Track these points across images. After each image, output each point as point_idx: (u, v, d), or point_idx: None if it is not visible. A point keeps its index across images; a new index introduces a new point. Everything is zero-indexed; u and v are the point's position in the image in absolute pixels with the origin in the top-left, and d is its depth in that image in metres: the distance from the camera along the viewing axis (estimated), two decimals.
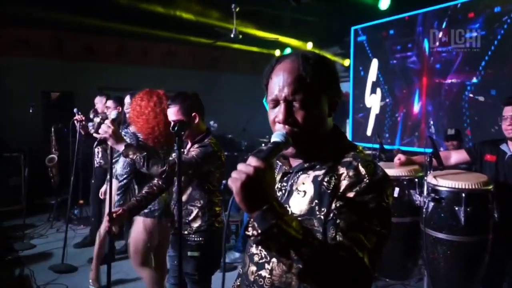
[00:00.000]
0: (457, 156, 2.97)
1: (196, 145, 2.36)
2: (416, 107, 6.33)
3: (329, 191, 1.07)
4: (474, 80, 5.45)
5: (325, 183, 1.09)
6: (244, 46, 8.52)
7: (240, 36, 6.53)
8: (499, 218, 2.48)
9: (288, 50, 8.98)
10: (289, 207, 1.13)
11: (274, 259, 1.14)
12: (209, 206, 2.37)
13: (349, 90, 8.16)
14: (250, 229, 0.91)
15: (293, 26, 7.81)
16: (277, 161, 1.27)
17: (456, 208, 2.44)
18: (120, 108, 3.87)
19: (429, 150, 2.79)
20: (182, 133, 1.38)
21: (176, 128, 1.37)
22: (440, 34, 5.90)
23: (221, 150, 2.39)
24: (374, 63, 7.05)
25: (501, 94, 5.22)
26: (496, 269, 2.65)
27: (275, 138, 1.04)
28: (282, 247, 0.89)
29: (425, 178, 2.71)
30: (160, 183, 2.53)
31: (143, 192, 2.52)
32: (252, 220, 0.90)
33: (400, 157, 3.02)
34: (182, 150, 2.44)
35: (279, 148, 1.02)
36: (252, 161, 0.92)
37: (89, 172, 5.25)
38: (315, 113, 1.12)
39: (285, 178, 1.21)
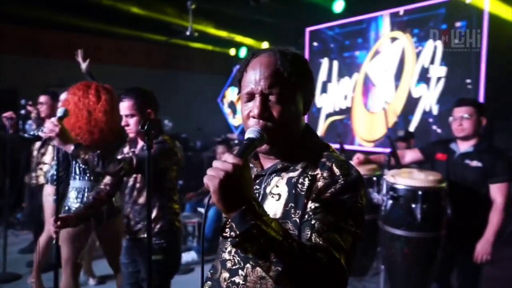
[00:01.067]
0: (411, 155, 3.07)
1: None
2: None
3: (303, 193, 1.04)
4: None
5: (299, 185, 1.06)
6: (199, 45, 8.40)
7: (196, 34, 6.44)
8: (452, 215, 2.59)
9: (244, 50, 8.96)
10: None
11: (248, 265, 1.10)
12: (168, 205, 2.29)
13: None
14: (227, 230, 0.85)
15: (249, 25, 7.81)
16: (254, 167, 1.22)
17: (413, 206, 2.52)
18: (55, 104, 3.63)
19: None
20: (152, 132, 1.30)
21: (146, 127, 1.29)
22: (394, 36, 6.13)
23: (176, 146, 2.31)
24: (325, 62, 7.19)
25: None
26: (446, 263, 2.76)
27: (249, 134, 1.00)
28: (261, 249, 0.85)
29: (384, 176, 2.77)
30: (107, 188, 2.41)
31: (90, 198, 2.39)
32: (229, 221, 0.85)
33: (358, 157, 3.07)
34: (133, 150, 2.38)
35: (254, 145, 0.98)
36: (229, 158, 0.87)
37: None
38: (291, 109, 1.09)
39: (257, 181, 1.16)
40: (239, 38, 7.69)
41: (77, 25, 6.63)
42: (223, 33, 7.35)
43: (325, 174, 1.04)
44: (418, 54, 5.78)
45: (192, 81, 8.84)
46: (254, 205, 0.87)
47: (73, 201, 2.77)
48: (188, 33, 6.30)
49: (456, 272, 2.86)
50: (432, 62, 5.64)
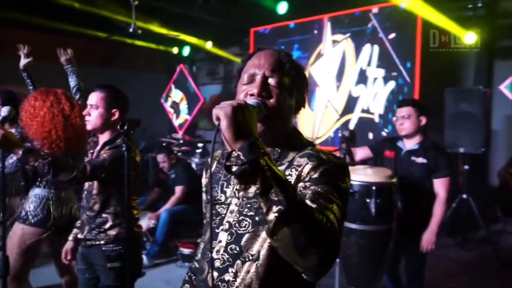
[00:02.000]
0: (361, 152, 3.25)
1: (107, 147, 2.20)
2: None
3: (292, 182, 1.08)
4: None
5: (287, 177, 1.09)
6: (142, 42, 8.17)
7: (140, 32, 6.25)
8: (402, 208, 2.79)
9: (187, 49, 8.86)
10: (254, 206, 1.11)
11: (238, 261, 1.12)
12: (126, 212, 2.22)
13: None
14: (233, 159, 0.86)
15: (193, 24, 7.73)
16: None
17: (368, 200, 2.67)
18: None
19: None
20: (131, 132, 1.27)
21: (125, 128, 1.26)
22: (335, 39, 6.39)
23: (135, 151, 2.26)
24: None
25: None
26: (395, 254, 2.96)
27: (249, 101, 1.02)
28: (265, 184, 0.84)
29: None
30: None
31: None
32: (235, 151, 0.86)
33: None
34: (92, 151, 2.31)
35: (254, 108, 0.99)
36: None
37: None
38: (287, 99, 1.14)
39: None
40: (183, 36, 7.58)
41: (4, 18, 6.15)
42: (166, 31, 7.20)
43: (312, 159, 1.09)
44: (357, 56, 6.08)
45: (134, 80, 8.55)
46: (261, 142, 0.89)
47: (34, 211, 2.63)
48: (131, 30, 6.10)
49: (404, 262, 3.08)
50: (369, 64, 5.97)
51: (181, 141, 7.39)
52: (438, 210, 2.83)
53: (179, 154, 6.38)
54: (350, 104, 6.12)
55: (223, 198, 1.20)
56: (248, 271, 1.10)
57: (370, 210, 2.67)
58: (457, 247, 4.94)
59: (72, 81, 3.11)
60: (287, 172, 1.11)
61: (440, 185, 2.82)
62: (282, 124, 1.16)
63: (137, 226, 2.31)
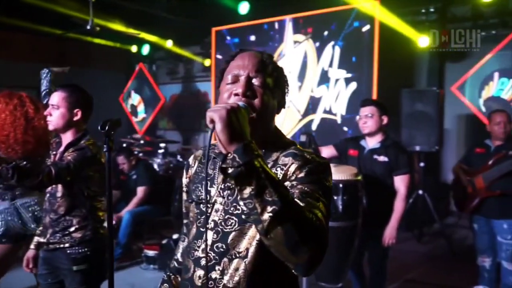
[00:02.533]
0: (327, 151, 3.33)
1: (71, 148, 2.14)
2: None
3: None
4: None
5: None
6: (99, 40, 7.92)
7: (98, 29, 6.06)
8: (366, 204, 2.90)
9: (146, 47, 8.68)
10: (240, 204, 1.12)
11: (225, 259, 1.13)
12: (92, 213, 2.19)
13: (210, 90, 8.32)
14: (228, 161, 0.88)
15: (153, 22, 7.60)
16: (217, 159, 1.24)
17: (335, 198, 2.75)
18: None
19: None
20: (112, 132, 1.24)
21: (106, 128, 1.23)
22: (296, 40, 6.50)
23: (100, 152, 2.20)
24: None
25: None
26: (359, 249, 3.07)
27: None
28: (260, 185, 0.87)
29: None
30: None
31: None
32: (230, 154, 0.88)
33: None
34: (55, 153, 2.24)
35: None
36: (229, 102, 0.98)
37: None
38: (270, 99, 1.16)
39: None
40: (143, 35, 7.42)
41: None
42: (125, 29, 7.03)
43: (297, 159, 1.12)
44: (318, 57, 6.22)
45: (91, 79, 8.25)
46: (254, 144, 0.92)
47: None
48: (88, 27, 5.90)
49: (367, 256, 3.20)
50: (330, 65, 6.13)
51: (142, 142, 7.24)
52: (398, 205, 2.96)
53: (141, 155, 6.26)
54: (312, 104, 6.25)
55: (207, 197, 1.21)
56: (236, 269, 1.11)
57: (337, 207, 2.75)
58: (414, 240, 5.18)
59: (44, 85, 3.04)
60: (273, 170, 1.13)
61: (400, 182, 2.96)
62: (265, 124, 1.18)
63: (102, 228, 2.26)
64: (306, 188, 1.04)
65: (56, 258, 2.18)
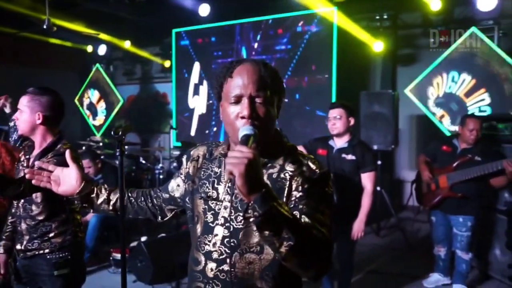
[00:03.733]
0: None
1: (50, 154, 2.09)
2: None
3: (286, 187, 1.22)
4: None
5: (281, 179, 1.23)
6: (55, 40, 7.65)
7: (55, 29, 5.88)
8: (337, 201, 3.07)
9: (103, 47, 8.46)
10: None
11: (236, 253, 1.21)
12: (71, 218, 2.19)
13: (169, 91, 8.29)
14: (250, 211, 0.99)
15: (111, 22, 7.45)
16: (223, 158, 1.32)
17: None
18: None
19: None
20: (124, 137, 1.28)
21: (120, 133, 1.27)
22: (256, 45, 6.64)
23: (79, 156, 2.21)
24: (196, 66, 7.36)
25: (303, 98, 6.27)
26: None
27: (245, 131, 1.13)
28: (278, 227, 0.99)
29: None
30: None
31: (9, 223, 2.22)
32: (251, 203, 0.99)
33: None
34: (28, 157, 2.19)
35: (252, 140, 1.11)
36: (243, 148, 1.01)
37: None
38: (271, 111, 1.25)
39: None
40: (102, 35, 7.26)
41: None
42: (83, 29, 6.85)
43: (304, 169, 1.24)
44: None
45: (45, 79, 7.94)
46: (271, 189, 1.03)
47: None
48: (45, 26, 5.72)
49: (335, 250, 3.38)
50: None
51: (101, 144, 7.08)
52: (365, 201, 3.15)
53: (102, 157, 6.13)
54: None
55: (214, 195, 1.29)
56: (250, 262, 1.21)
57: None
58: (373, 234, 5.47)
59: (13, 138, 2.96)
60: (281, 175, 1.24)
61: (367, 179, 3.16)
62: (269, 132, 1.27)
63: (81, 232, 2.27)
64: (312, 203, 1.17)
65: (35, 265, 2.13)
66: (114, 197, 1.51)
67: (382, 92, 5.82)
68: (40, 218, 2.11)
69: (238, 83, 1.21)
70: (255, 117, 1.20)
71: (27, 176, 1.49)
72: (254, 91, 1.20)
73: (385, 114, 5.32)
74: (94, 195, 1.50)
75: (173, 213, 1.50)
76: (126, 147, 6.67)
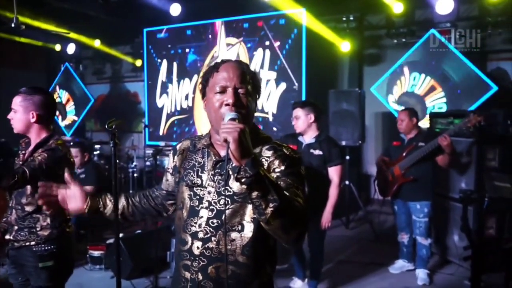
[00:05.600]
0: None
1: (40, 149, 2.19)
2: None
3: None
4: None
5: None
6: (20, 38, 7.50)
7: (23, 27, 5.80)
8: (308, 193, 3.25)
9: (72, 46, 8.35)
10: (230, 188, 1.37)
11: (220, 232, 1.37)
12: (58, 212, 2.21)
13: (140, 90, 8.29)
14: (242, 173, 1.13)
15: (79, 20, 7.39)
16: (207, 150, 1.48)
17: None
18: None
19: None
20: (116, 130, 1.39)
21: (113, 127, 1.38)
22: (226, 44, 6.77)
23: (69, 152, 2.30)
24: (164, 65, 7.41)
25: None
26: None
27: (230, 116, 1.28)
28: (265, 189, 1.14)
29: None
30: None
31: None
32: (242, 166, 1.13)
33: None
34: (24, 152, 2.28)
35: (237, 122, 1.25)
36: (234, 122, 1.19)
37: None
38: (252, 104, 1.42)
39: (218, 166, 1.44)
40: (71, 34, 7.19)
41: None
42: (53, 27, 6.78)
43: (279, 154, 1.41)
44: (250, 60, 6.55)
45: (9, 79, 7.78)
46: (257, 156, 1.19)
47: None
48: (13, 25, 5.63)
49: (306, 240, 3.57)
50: (262, 67, 6.50)
51: (72, 143, 7.01)
52: (333, 193, 3.37)
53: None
54: None
55: (199, 181, 1.44)
56: (233, 240, 1.36)
57: None
58: (343, 226, 5.72)
59: None
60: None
61: (333, 172, 3.37)
62: (249, 124, 1.43)
63: (68, 226, 2.32)
64: (288, 180, 1.33)
65: (22, 256, 2.20)
66: (120, 206, 1.61)
67: (350, 90, 6.08)
68: (29, 209, 2.18)
69: (224, 75, 1.38)
70: (239, 105, 1.36)
71: (39, 202, 1.58)
72: (238, 83, 1.37)
73: (353, 111, 5.58)
74: (101, 208, 1.58)
75: (174, 206, 1.62)
76: (98, 146, 6.68)
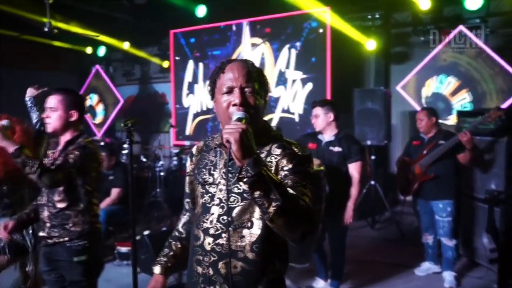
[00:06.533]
0: None
1: (71, 147, 2.26)
2: None
3: (272, 168, 1.40)
4: None
5: (268, 163, 1.41)
6: (54, 42, 7.79)
7: (56, 31, 6.04)
8: (329, 191, 3.25)
9: (103, 48, 8.63)
10: (240, 186, 1.39)
11: (230, 229, 1.40)
12: (88, 208, 2.31)
13: (168, 91, 8.45)
14: (243, 173, 1.16)
15: (110, 23, 7.60)
16: (219, 149, 1.51)
17: None
18: None
19: None
20: (132, 128, 1.45)
21: (129, 124, 1.44)
22: (251, 44, 6.81)
23: (98, 150, 2.37)
24: (190, 65, 7.51)
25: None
26: (321, 232, 3.42)
27: (238, 115, 1.31)
28: (267, 188, 1.16)
29: None
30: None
31: (34, 204, 2.35)
32: (244, 166, 1.16)
33: None
34: (54, 151, 2.35)
35: (244, 121, 1.27)
36: (238, 122, 1.21)
37: None
38: (260, 101, 1.44)
39: (229, 163, 1.47)
40: (101, 37, 7.41)
41: None
42: (83, 31, 7.01)
43: (287, 152, 1.42)
44: (276, 59, 6.57)
45: (44, 81, 8.07)
46: (260, 156, 1.21)
47: None
48: (46, 29, 5.87)
49: (328, 237, 3.56)
50: (287, 66, 6.50)
51: (102, 143, 7.23)
52: (353, 190, 3.38)
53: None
54: (271, 104, 6.58)
55: (211, 180, 1.47)
56: (243, 236, 1.39)
57: None
58: (368, 227, 5.66)
59: (33, 115, 3.21)
60: (268, 159, 1.42)
61: (353, 168, 3.38)
62: (258, 121, 1.46)
63: (98, 222, 2.38)
64: (296, 178, 1.35)
65: (56, 252, 2.27)
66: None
67: (375, 89, 6.00)
68: (61, 206, 2.24)
69: (230, 76, 1.41)
70: (245, 104, 1.39)
71: None
72: (244, 82, 1.40)
73: (378, 110, 5.51)
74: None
75: None
76: (126, 145, 6.85)
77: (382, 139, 5.51)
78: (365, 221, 5.72)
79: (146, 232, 4.38)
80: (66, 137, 2.31)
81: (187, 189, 1.66)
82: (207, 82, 1.49)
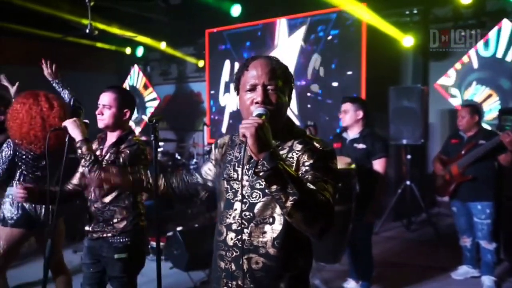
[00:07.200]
0: None
1: (123, 145, 2.29)
2: None
3: (293, 164, 1.40)
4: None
5: (289, 159, 1.41)
6: (93, 43, 8.09)
7: (96, 32, 6.26)
8: (359, 189, 3.20)
9: (141, 49, 8.87)
10: (262, 181, 1.37)
11: (252, 224, 1.40)
12: (133, 206, 2.34)
13: (203, 90, 8.56)
14: (259, 167, 1.16)
15: (147, 24, 7.80)
16: (242, 144, 1.51)
17: None
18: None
19: None
20: (157, 124, 1.49)
21: (154, 121, 1.48)
22: (286, 42, 6.78)
23: (146, 148, 2.39)
24: (227, 64, 7.58)
25: (333, 92, 6.36)
26: (352, 231, 3.36)
27: (258, 111, 1.32)
28: (284, 182, 1.16)
29: None
30: (78, 189, 2.42)
31: (70, 185, 2.41)
32: (260, 160, 1.16)
33: None
34: (101, 147, 2.36)
35: (264, 117, 1.28)
36: (255, 118, 1.22)
37: None
38: (283, 98, 1.44)
39: (251, 160, 1.47)
40: (139, 37, 7.62)
41: None
42: (122, 32, 7.23)
43: (310, 147, 1.41)
44: (310, 57, 6.51)
45: (84, 81, 8.38)
46: (277, 150, 1.21)
47: (9, 210, 2.71)
48: (87, 31, 6.10)
49: (356, 233, 3.50)
50: (321, 64, 6.42)
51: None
52: (378, 187, 3.32)
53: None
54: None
55: (235, 176, 1.48)
56: (264, 232, 1.39)
57: None
58: (403, 228, 5.50)
59: (65, 95, 3.28)
60: (289, 155, 1.41)
61: (378, 165, 3.32)
62: (280, 118, 1.46)
63: (142, 221, 2.41)
64: (317, 173, 1.33)
65: (99, 246, 2.33)
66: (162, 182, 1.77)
67: (411, 86, 5.82)
68: (106, 201, 2.29)
69: (253, 74, 1.41)
70: (267, 103, 1.39)
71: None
72: (266, 80, 1.39)
73: (414, 108, 5.34)
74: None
75: (204, 192, 1.72)
76: (162, 143, 7.01)
77: (418, 138, 5.34)
78: (400, 222, 5.56)
79: (179, 228, 4.47)
80: (115, 134, 2.33)
81: (202, 172, 1.69)
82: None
